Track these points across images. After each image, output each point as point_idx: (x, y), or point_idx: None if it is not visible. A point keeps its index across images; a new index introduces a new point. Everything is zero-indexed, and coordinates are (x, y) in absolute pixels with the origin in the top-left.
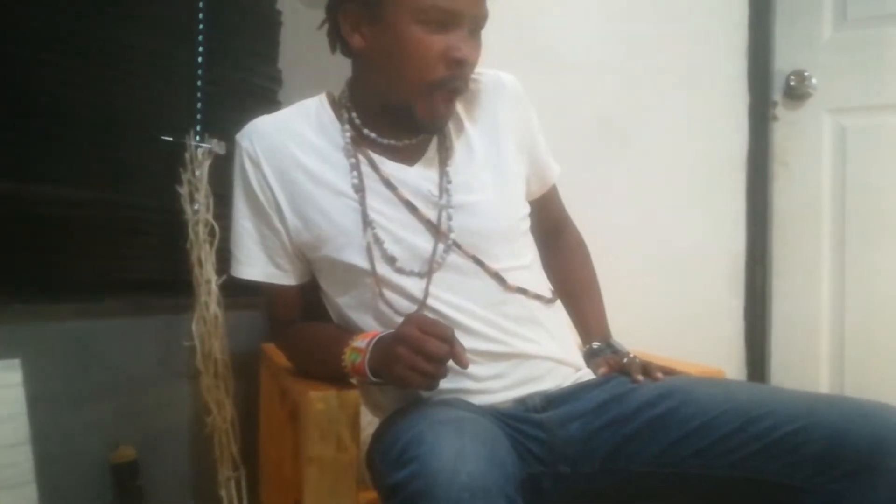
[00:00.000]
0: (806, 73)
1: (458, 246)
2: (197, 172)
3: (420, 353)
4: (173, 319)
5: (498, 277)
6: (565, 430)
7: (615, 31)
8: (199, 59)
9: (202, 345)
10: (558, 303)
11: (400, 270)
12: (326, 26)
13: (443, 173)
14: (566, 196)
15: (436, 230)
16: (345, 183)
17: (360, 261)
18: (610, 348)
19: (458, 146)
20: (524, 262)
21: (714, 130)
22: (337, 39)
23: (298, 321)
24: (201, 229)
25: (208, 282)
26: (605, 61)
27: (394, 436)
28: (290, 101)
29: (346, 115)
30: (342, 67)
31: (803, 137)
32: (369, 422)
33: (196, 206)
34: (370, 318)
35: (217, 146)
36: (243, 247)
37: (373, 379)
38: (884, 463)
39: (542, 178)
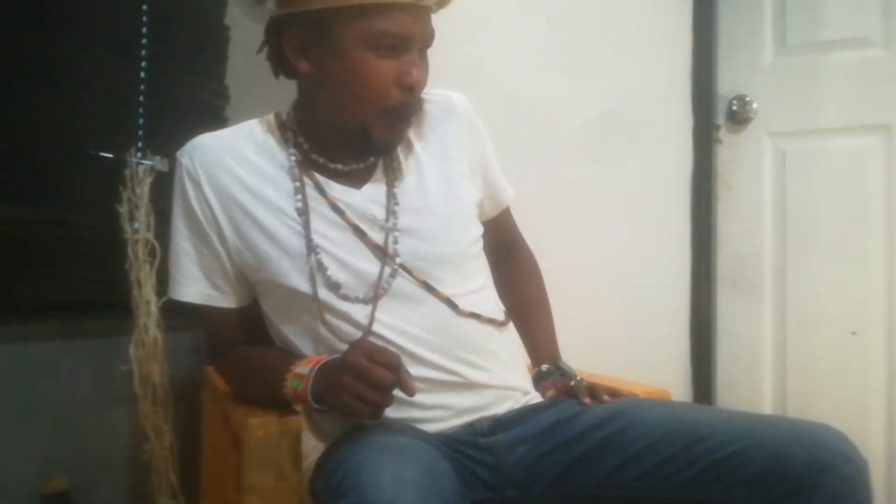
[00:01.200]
0: (747, 98)
1: (407, 270)
2: (138, 190)
3: (365, 381)
4: (110, 342)
5: (449, 303)
6: (513, 454)
7: (563, 54)
8: (142, 75)
9: (140, 369)
10: (510, 325)
11: (344, 297)
12: (266, 50)
13: (390, 195)
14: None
15: (383, 254)
16: (289, 205)
17: (303, 286)
18: (558, 371)
19: (407, 168)
20: (476, 286)
21: (660, 152)
22: (280, 63)
23: (239, 345)
24: (141, 249)
25: (148, 303)
26: (550, 84)
27: (335, 463)
28: (238, 118)
29: (292, 138)
30: (291, 85)
31: (745, 160)
32: (314, 447)
33: (136, 225)
34: (313, 344)
35: (159, 163)
36: (181, 267)
37: (315, 406)
38: (820, 482)
39: (496, 201)
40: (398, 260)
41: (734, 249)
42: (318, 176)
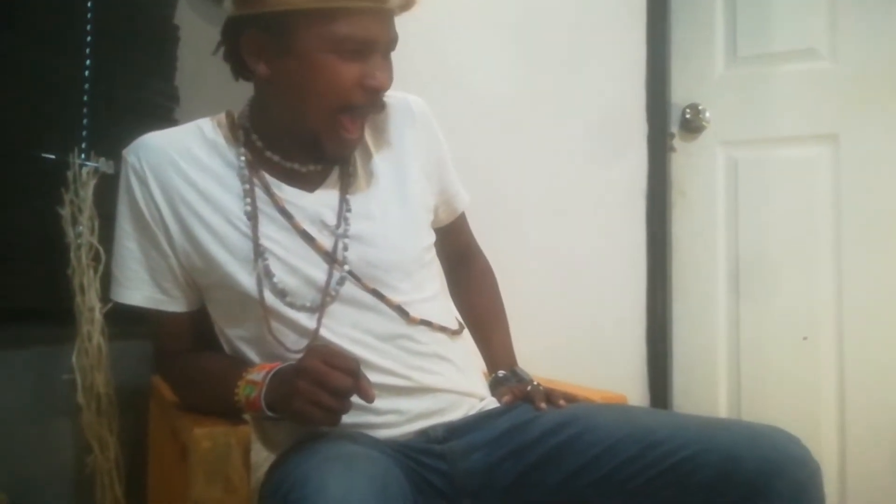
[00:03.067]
0: (700, 107)
1: (356, 277)
2: (81, 193)
3: (323, 386)
4: (51, 351)
5: (400, 310)
6: (467, 460)
7: (521, 63)
8: (87, 73)
9: (83, 378)
10: (465, 332)
11: (291, 303)
12: (223, 50)
13: (343, 201)
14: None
15: (331, 260)
16: (238, 207)
17: (250, 290)
18: (515, 377)
19: (362, 172)
20: (428, 294)
21: (616, 160)
22: (237, 65)
23: (187, 351)
24: (84, 253)
25: (91, 310)
26: (506, 92)
27: (282, 474)
28: (188, 120)
29: (243, 137)
30: (244, 86)
31: (699, 168)
32: (265, 458)
33: (79, 229)
34: (260, 350)
35: (104, 165)
36: (126, 269)
37: (269, 414)
38: (773, 485)
39: (451, 207)
40: (347, 267)
41: (688, 257)
42: (268, 177)
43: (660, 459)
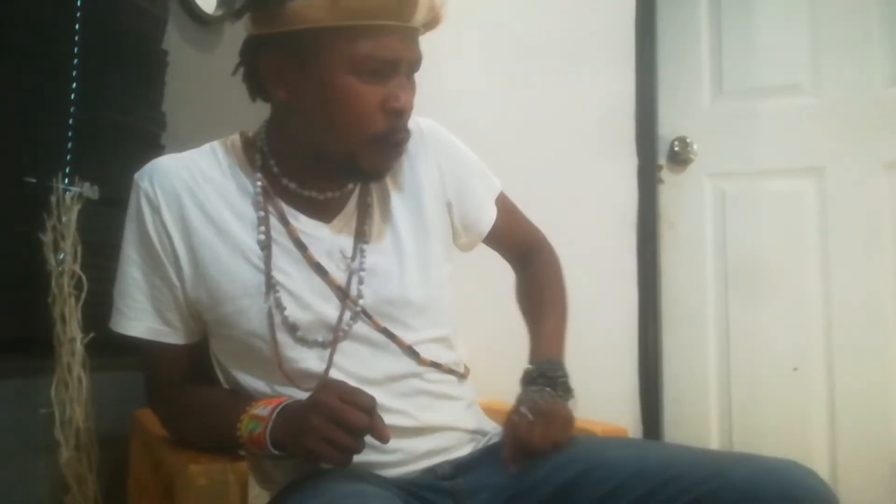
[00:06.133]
0: (688, 140)
1: (368, 315)
2: (63, 218)
3: (338, 423)
4: (28, 384)
5: (410, 351)
6: (475, 499)
7: (508, 94)
8: (73, 96)
9: (62, 412)
10: (469, 375)
11: (301, 340)
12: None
13: (360, 232)
14: None
15: (344, 296)
16: (251, 238)
17: (259, 326)
18: (542, 377)
19: (378, 203)
20: (441, 334)
21: (607, 192)
22: (255, 87)
23: (182, 383)
24: (66, 281)
25: (72, 341)
26: (495, 124)
27: None
28: (175, 146)
29: (260, 161)
30: (231, 112)
31: (687, 200)
32: (256, 495)
33: (61, 256)
34: (267, 387)
35: (88, 190)
36: (128, 298)
37: (273, 452)
38: None
39: (474, 232)
40: (361, 302)
41: (678, 288)
42: (283, 206)
43: (675, 497)
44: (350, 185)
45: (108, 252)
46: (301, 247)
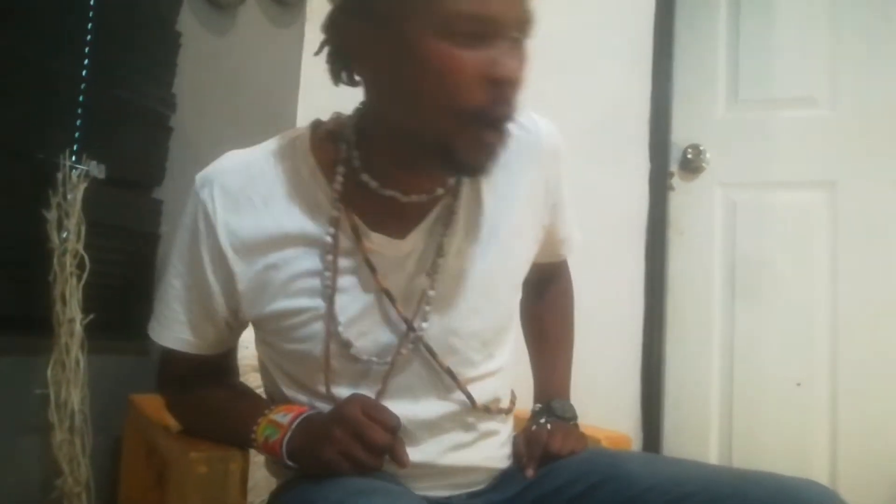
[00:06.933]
0: (701, 148)
1: (430, 350)
2: (69, 196)
3: (359, 438)
4: (24, 362)
5: (467, 395)
6: None
7: (525, 92)
8: (85, 74)
9: (57, 394)
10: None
11: (355, 369)
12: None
13: (438, 251)
14: None
15: (407, 327)
16: (316, 255)
17: (314, 347)
18: (548, 411)
19: (466, 215)
20: (497, 365)
21: (618, 196)
22: (341, 66)
23: (195, 378)
24: (69, 260)
25: (71, 321)
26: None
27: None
28: (184, 128)
29: (343, 153)
30: (242, 96)
31: (697, 208)
32: (255, 483)
33: (65, 235)
34: (307, 402)
35: (95, 169)
36: (167, 308)
37: (287, 462)
38: None
39: (553, 253)
40: (423, 334)
41: (684, 296)
42: (356, 218)
43: None
44: (440, 190)
45: (112, 233)
46: (371, 267)
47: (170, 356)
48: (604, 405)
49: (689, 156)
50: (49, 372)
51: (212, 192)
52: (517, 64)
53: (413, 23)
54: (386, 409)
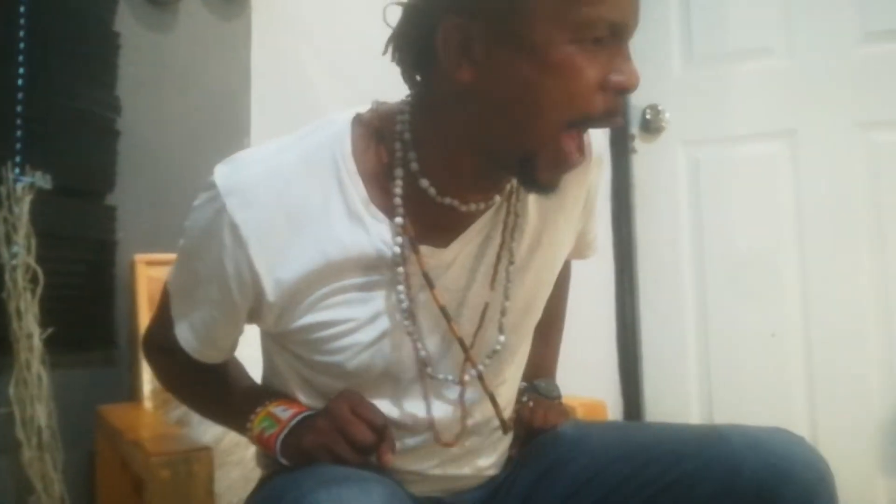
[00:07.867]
0: (660, 108)
1: (481, 377)
2: (15, 210)
3: (342, 433)
4: None
5: (502, 423)
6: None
7: None
8: (20, 82)
9: (22, 411)
10: None
11: (395, 390)
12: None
13: (497, 264)
14: None
15: (463, 352)
16: (358, 267)
17: (353, 366)
18: (532, 390)
19: (529, 226)
20: (518, 379)
21: None
22: (418, 64)
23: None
24: (21, 275)
25: (29, 336)
26: None
27: (276, 497)
28: (131, 131)
29: (401, 155)
30: (190, 96)
31: (660, 169)
32: (227, 487)
33: (14, 249)
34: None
35: (41, 180)
36: (190, 311)
37: (280, 458)
38: (781, 493)
39: (579, 254)
40: (478, 359)
41: (654, 258)
42: (410, 227)
43: (656, 478)
44: (497, 198)
45: (66, 243)
46: (428, 281)
47: (162, 324)
48: (581, 373)
49: (648, 116)
50: (11, 390)
51: (240, 201)
52: (635, 71)
53: (543, 26)
54: (373, 408)
